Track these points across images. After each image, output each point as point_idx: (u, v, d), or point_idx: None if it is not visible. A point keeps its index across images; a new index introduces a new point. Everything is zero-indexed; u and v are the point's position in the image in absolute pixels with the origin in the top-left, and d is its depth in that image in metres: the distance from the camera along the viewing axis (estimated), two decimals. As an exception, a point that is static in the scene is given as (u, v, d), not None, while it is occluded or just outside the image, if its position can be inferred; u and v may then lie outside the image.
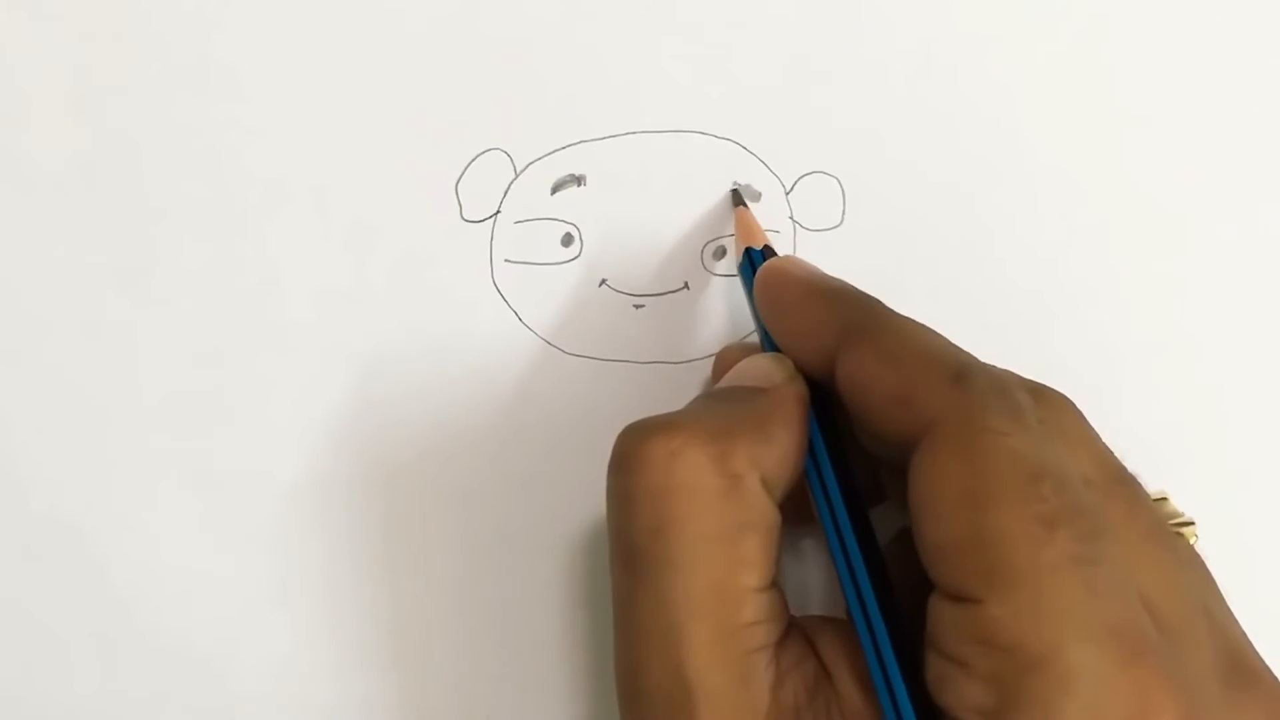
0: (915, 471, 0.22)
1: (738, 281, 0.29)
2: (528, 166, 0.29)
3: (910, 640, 0.22)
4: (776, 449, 0.23)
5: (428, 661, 0.29)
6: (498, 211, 0.29)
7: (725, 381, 0.26)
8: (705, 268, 0.29)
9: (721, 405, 0.24)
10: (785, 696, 0.23)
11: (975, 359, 0.23)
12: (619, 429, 0.24)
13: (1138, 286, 0.31)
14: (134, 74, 0.27)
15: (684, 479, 0.22)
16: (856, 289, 0.25)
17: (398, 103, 0.28)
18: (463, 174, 0.29)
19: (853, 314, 0.24)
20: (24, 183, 0.27)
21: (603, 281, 0.29)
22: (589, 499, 0.29)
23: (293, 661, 0.29)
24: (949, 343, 0.23)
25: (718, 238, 0.29)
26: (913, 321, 0.24)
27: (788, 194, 0.30)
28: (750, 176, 0.29)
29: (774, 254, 0.27)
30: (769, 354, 0.26)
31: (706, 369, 0.30)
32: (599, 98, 0.29)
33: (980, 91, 0.30)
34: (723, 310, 0.30)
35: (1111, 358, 0.31)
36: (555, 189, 0.29)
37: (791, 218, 0.30)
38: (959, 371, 0.22)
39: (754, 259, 0.27)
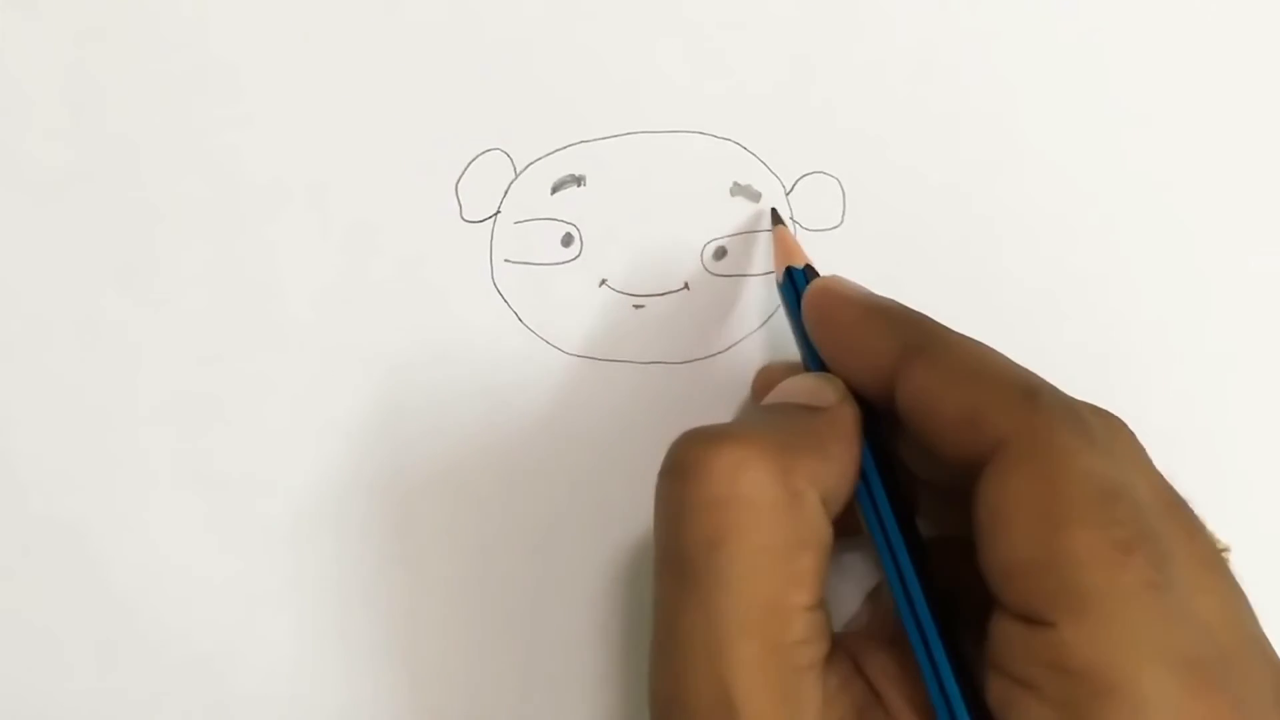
0: (985, 490, 0.21)
1: (738, 282, 0.29)
2: (528, 166, 0.29)
3: (967, 662, 0.22)
4: (835, 468, 0.23)
5: (426, 664, 0.29)
6: (498, 211, 0.29)
7: (774, 398, 0.25)
8: (705, 268, 0.29)
9: (781, 420, 0.24)
10: (833, 718, 0.22)
11: (1041, 378, 0.23)
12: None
13: (1139, 287, 0.31)
14: (134, 74, 0.27)
15: (747, 491, 0.22)
16: (910, 308, 0.25)
17: (398, 103, 0.28)
18: (463, 174, 0.29)
19: (912, 333, 0.24)
20: (24, 183, 0.27)
21: (603, 281, 0.29)
22: (589, 499, 0.29)
23: (293, 663, 0.29)
24: (1013, 361, 0.23)
25: (718, 238, 0.29)
26: (973, 340, 0.24)
27: (788, 194, 0.30)
28: (750, 176, 0.29)
29: (815, 273, 0.27)
30: (818, 374, 0.25)
31: (707, 369, 0.30)
32: (599, 98, 0.29)
33: (981, 91, 0.30)
34: (723, 310, 0.30)
35: (1112, 358, 0.31)
36: (555, 189, 0.29)
37: (791, 218, 0.30)
38: (1028, 390, 0.22)
39: (795, 279, 0.27)
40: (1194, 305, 0.31)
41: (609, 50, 0.29)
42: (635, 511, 0.29)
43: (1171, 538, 0.21)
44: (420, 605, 0.29)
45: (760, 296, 0.29)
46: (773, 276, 0.30)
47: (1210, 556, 0.22)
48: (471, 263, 0.29)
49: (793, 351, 0.27)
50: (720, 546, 0.22)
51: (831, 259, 0.30)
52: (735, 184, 0.29)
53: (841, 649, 0.24)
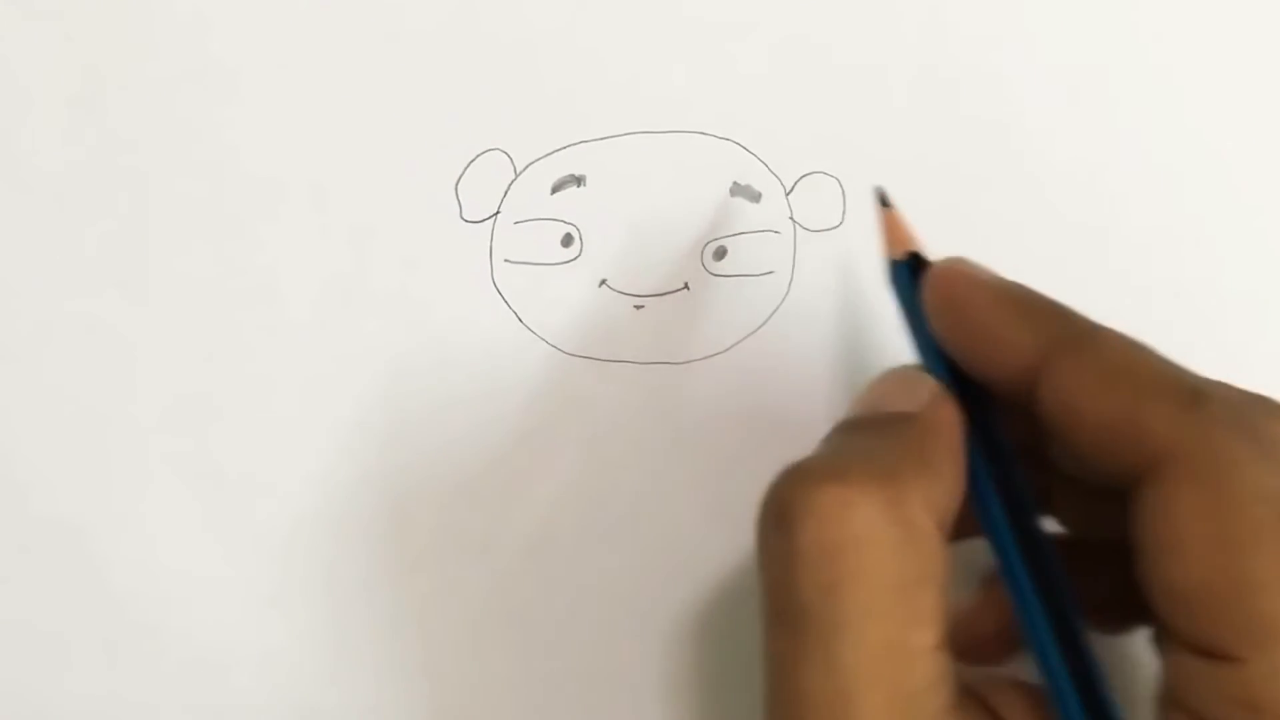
0: (1148, 508, 0.20)
1: (738, 282, 0.29)
2: (528, 166, 0.29)
3: (1110, 701, 0.20)
4: (944, 485, 0.22)
5: (423, 664, 0.29)
6: (498, 211, 0.29)
7: (861, 408, 0.24)
8: (705, 268, 0.29)
9: (879, 441, 0.22)
10: None
11: (1210, 380, 0.21)
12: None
13: (1141, 285, 0.31)
14: (133, 74, 0.27)
15: (860, 531, 0.20)
16: (1052, 298, 0.23)
17: (397, 103, 0.28)
18: (463, 174, 0.28)
19: (1057, 325, 0.22)
20: (24, 183, 0.27)
21: (603, 281, 0.29)
22: (588, 499, 0.29)
23: (292, 664, 0.29)
24: (1172, 361, 0.21)
25: (718, 238, 0.29)
26: (1126, 336, 0.22)
27: (788, 194, 0.30)
28: (750, 176, 0.29)
29: (926, 263, 0.25)
30: (907, 369, 0.24)
31: (707, 369, 0.29)
32: (599, 98, 0.29)
33: (981, 91, 0.30)
34: (723, 310, 0.30)
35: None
36: (555, 189, 0.29)
37: (791, 218, 0.30)
38: (1194, 395, 0.20)
39: (902, 272, 0.25)
40: (1193, 304, 0.31)
41: (609, 50, 0.29)
42: (634, 511, 0.29)
43: None
44: (418, 606, 0.29)
45: (760, 296, 0.29)
46: (773, 276, 0.30)
47: None
48: (471, 263, 0.29)
49: (804, 353, 0.27)
50: (836, 593, 0.20)
51: (831, 259, 0.30)
52: (735, 184, 0.29)
53: (970, 693, 0.22)
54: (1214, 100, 0.31)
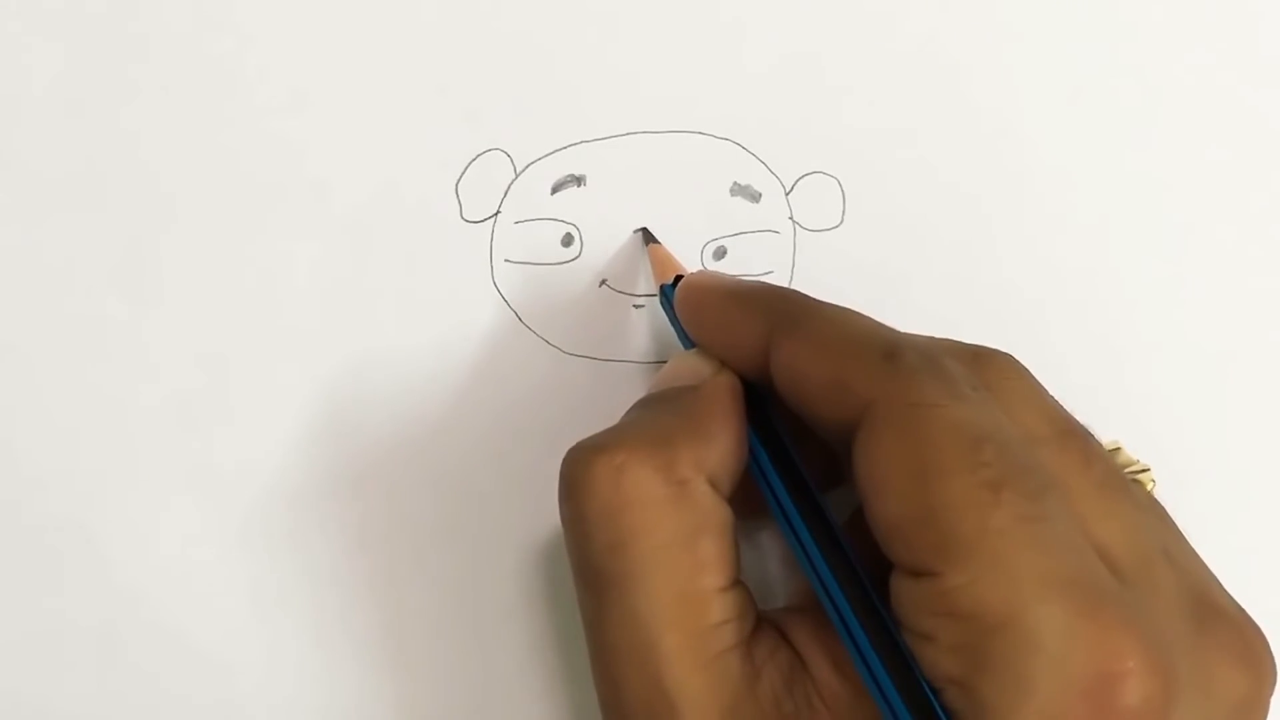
0: (858, 454, 0.22)
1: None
2: (528, 166, 0.29)
3: (880, 613, 0.22)
4: (717, 446, 0.24)
5: (427, 663, 0.29)
6: (498, 211, 0.29)
7: (654, 387, 0.26)
8: (705, 267, 0.30)
9: (657, 412, 0.24)
10: (763, 690, 0.23)
11: (907, 335, 0.23)
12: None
13: (1140, 285, 0.31)
14: (135, 73, 0.27)
15: (632, 494, 0.23)
16: (778, 286, 0.25)
17: (397, 102, 0.28)
18: (463, 174, 0.28)
19: (778, 308, 0.24)
20: (24, 183, 0.27)
21: (603, 281, 0.29)
22: (589, 499, 0.29)
23: (294, 662, 0.29)
24: (878, 323, 0.24)
25: (718, 238, 0.29)
26: (839, 307, 0.24)
27: (788, 194, 0.30)
28: (750, 176, 0.29)
29: None
30: (693, 351, 0.26)
31: (706, 369, 0.30)
32: (600, 98, 0.29)
33: (982, 91, 0.30)
34: (723, 310, 0.30)
35: (1113, 356, 0.31)
36: (555, 189, 0.29)
37: (791, 218, 0.30)
38: (888, 350, 0.22)
39: (668, 294, 0.27)
40: (1195, 303, 0.31)
41: (609, 50, 0.29)
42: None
43: (1059, 467, 0.22)
44: (419, 604, 0.29)
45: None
46: (772, 276, 0.30)
47: (1109, 480, 0.23)
48: (471, 263, 0.29)
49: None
50: (622, 551, 0.22)
51: (831, 259, 0.30)
52: (735, 184, 0.29)
53: (767, 623, 0.24)
54: (1220, 101, 0.31)
